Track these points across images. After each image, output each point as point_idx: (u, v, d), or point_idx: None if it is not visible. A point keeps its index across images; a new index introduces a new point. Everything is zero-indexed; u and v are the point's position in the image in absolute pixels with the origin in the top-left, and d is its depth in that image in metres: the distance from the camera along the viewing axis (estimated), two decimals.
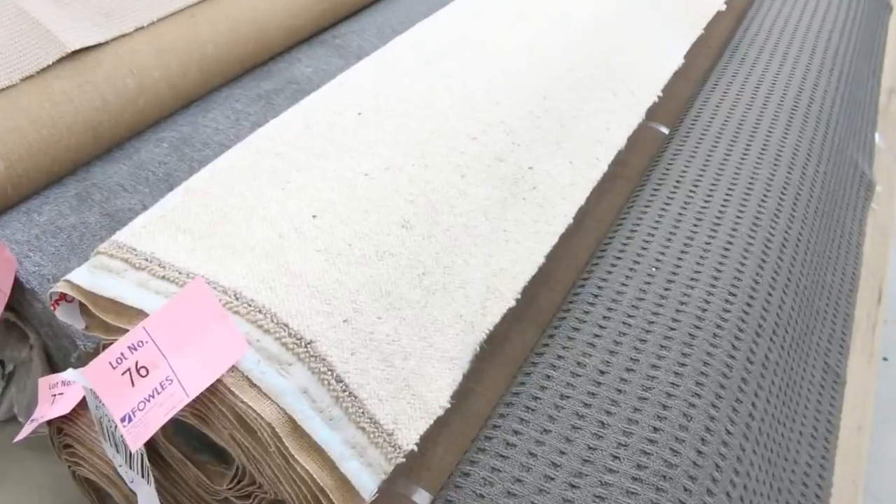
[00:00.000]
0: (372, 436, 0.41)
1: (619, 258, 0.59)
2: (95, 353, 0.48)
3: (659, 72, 0.74)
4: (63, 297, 0.47)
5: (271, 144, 0.54)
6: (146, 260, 0.46)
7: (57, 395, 0.47)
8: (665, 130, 0.79)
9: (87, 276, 0.46)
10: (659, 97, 0.72)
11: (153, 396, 0.38)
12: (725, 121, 0.74)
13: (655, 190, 0.65)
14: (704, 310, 0.55)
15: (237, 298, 0.43)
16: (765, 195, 0.66)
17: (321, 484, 0.39)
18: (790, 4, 0.98)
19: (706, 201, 0.65)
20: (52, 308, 0.47)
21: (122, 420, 0.37)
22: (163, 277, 0.45)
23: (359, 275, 0.46)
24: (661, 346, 0.52)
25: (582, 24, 0.73)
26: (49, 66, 0.67)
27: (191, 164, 0.72)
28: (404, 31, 0.90)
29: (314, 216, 0.48)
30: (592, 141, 0.63)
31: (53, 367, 0.66)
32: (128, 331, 0.39)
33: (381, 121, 0.56)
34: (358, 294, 0.45)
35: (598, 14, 0.76)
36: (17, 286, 0.61)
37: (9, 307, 0.62)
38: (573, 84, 0.66)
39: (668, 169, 0.68)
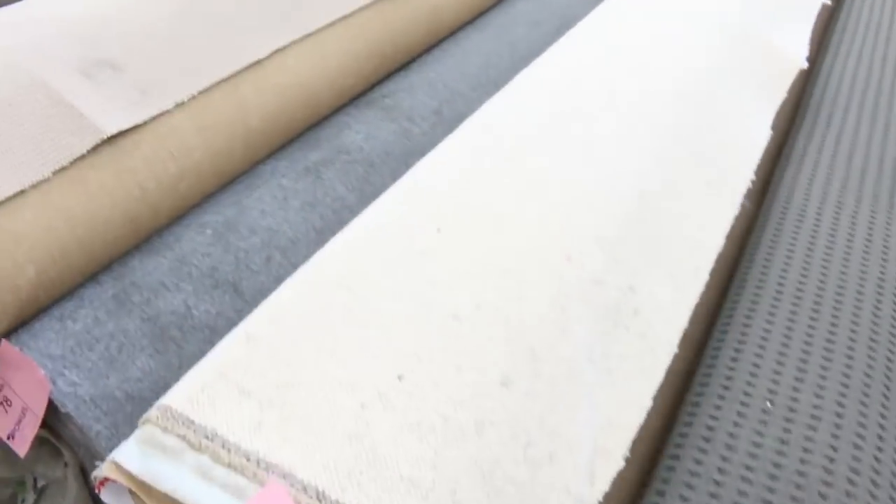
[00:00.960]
0: None
1: (726, 388, 0.51)
2: None
3: (749, 149, 0.66)
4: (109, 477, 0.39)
5: (339, 272, 0.46)
6: (207, 438, 0.38)
7: None
8: (747, 203, 0.71)
9: (138, 459, 0.38)
10: (752, 182, 0.64)
11: None
12: (821, 203, 0.66)
13: (756, 298, 0.58)
14: (832, 459, 0.47)
15: (321, 500, 0.35)
16: (878, 298, 0.58)
17: None
18: (868, 57, 0.90)
19: (815, 311, 0.57)
20: (96, 491, 0.40)
21: None
22: (228, 465, 0.37)
23: (457, 456, 0.38)
24: None
25: (665, 100, 0.65)
26: (84, 155, 0.59)
27: (236, 254, 0.65)
28: (458, 89, 0.82)
29: (400, 377, 0.41)
30: (691, 245, 0.56)
31: (90, 487, 0.59)
32: None
33: (463, 239, 0.48)
34: (458, 482, 0.37)
35: (680, 84, 0.68)
36: (51, 406, 0.54)
37: (42, 423, 0.55)
38: (665, 177, 0.58)
39: (765, 269, 0.60)
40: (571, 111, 0.61)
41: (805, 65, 0.80)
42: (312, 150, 0.75)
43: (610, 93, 0.64)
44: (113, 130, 0.60)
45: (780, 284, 0.60)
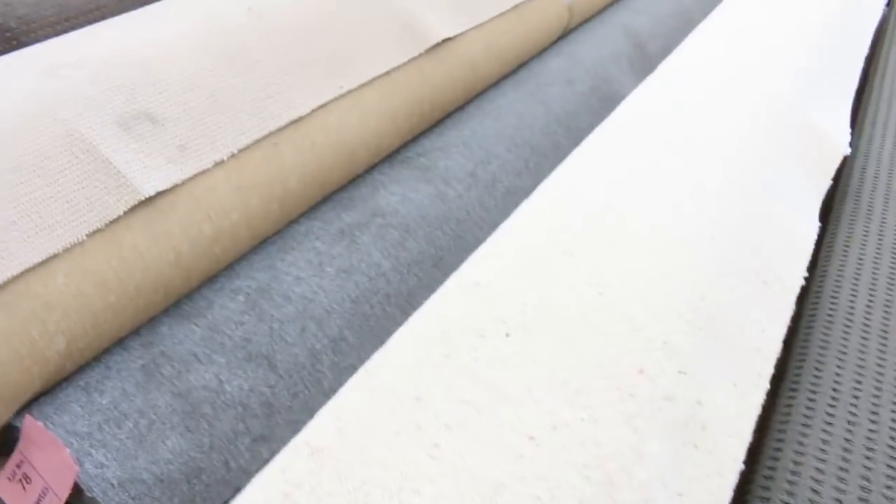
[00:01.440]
0: None
1: (791, 494, 0.49)
2: None
3: (801, 244, 0.64)
4: None
5: (406, 380, 0.43)
6: None
7: None
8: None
9: None
10: (805, 278, 0.62)
11: None
12: (870, 303, 0.65)
13: (811, 403, 0.56)
14: None
15: None
16: None
17: None
18: None
19: (874, 417, 0.55)
20: None
21: None
22: None
23: None
24: None
25: (718, 190, 0.64)
26: (119, 216, 0.56)
27: (271, 324, 0.61)
28: (493, 150, 0.80)
29: None
30: (751, 349, 0.54)
31: None
32: None
33: (532, 346, 0.46)
34: None
35: (732, 173, 0.66)
36: (77, 489, 0.51)
37: None
38: (724, 275, 0.56)
39: (818, 371, 0.58)
40: (626, 204, 0.59)
41: (848, 150, 0.79)
42: (347, 210, 0.72)
43: (664, 184, 0.62)
44: (151, 191, 0.57)
45: (835, 391, 0.58)
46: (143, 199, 0.57)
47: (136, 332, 0.59)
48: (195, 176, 0.61)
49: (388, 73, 0.75)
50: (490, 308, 0.49)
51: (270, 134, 0.66)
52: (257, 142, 0.65)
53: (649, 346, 0.49)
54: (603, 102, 0.99)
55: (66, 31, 0.76)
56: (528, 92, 0.92)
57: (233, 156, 0.63)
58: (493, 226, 0.80)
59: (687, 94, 0.79)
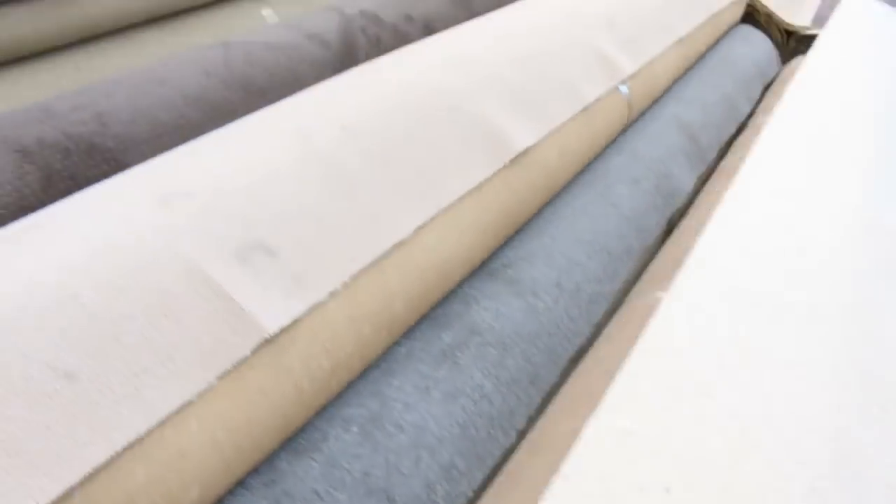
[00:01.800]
0: None
1: None
2: None
3: None
4: None
5: None
6: None
7: None
8: None
9: None
10: None
11: None
12: None
13: None
14: None
15: None
16: None
17: None
18: None
19: None
20: None
21: None
22: None
23: None
24: None
25: (831, 313, 0.64)
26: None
27: (386, 455, 0.61)
28: (574, 257, 0.80)
29: None
30: (890, 487, 0.53)
31: None
32: None
33: (694, 502, 0.45)
34: None
35: (845, 294, 0.66)
36: None
37: None
38: (854, 408, 0.56)
39: None
40: (757, 337, 0.59)
41: None
42: (444, 329, 0.72)
43: (778, 307, 0.62)
44: (275, 329, 0.57)
45: None
46: (267, 337, 0.56)
47: (256, 469, 0.58)
48: (312, 308, 0.60)
49: (478, 186, 0.76)
50: (646, 461, 0.48)
51: (377, 259, 0.65)
52: (366, 269, 0.64)
53: (790, 494, 0.48)
54: (666, 199, 1.00)
55: (160, 147, 0.76)
56: (597, 193, 0.93)
57: (345, 285, 0.63)
58: (580, 335, 0.80)
59: (776, 209, 0.80)
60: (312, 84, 0.90)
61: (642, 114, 1.12)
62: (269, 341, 0.57)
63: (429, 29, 1.04)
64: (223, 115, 0.82)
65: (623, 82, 1.01)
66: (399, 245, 0.67)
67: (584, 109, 0.93)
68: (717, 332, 0.60)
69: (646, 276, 0.92)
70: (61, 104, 0.77)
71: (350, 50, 0.95)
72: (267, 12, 1.07)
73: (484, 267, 0.80)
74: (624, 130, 1.07)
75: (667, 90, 1.19)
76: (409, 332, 0.71)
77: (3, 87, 0.84)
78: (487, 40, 0.92)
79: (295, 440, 0.61)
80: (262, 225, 0.63)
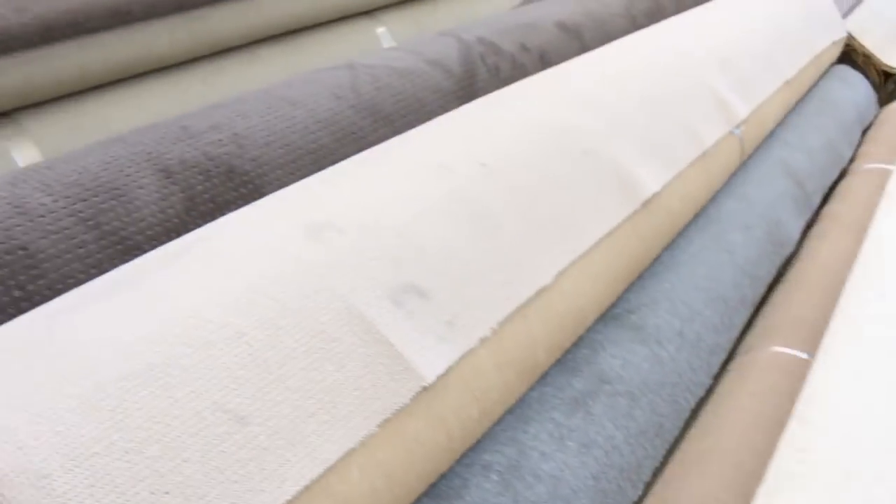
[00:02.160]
0: None
1: None
2: None
3: None
4: None
5: None
6: None
7: None
8: None
9: None
10: None
11: None
12: None
13: None
14: None
15: None
16: None
17: None
18: None
19: None
20: None
21: None
22: None
23: None
24: None
25: None
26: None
27: None
28: (693, 306, 0.78)
29: None
30: None
31: None
32: None
33: None
34: None
35: None
36: None
37: None
38: None
39: None
40: None
41: None
42: (574, 375, 0.70)
43: None
44: (433, 377, 0.56)
45: None
46: (426, 385, 0.55)
47: None
48: (464, 355, 0.59)
49: (611, 231, 0.74)
50: None
51: (521, 305, 0.64)
52: (512, 315, 0.63)
53: None
54: (776, 247, 0.98)
55: (295, 171, 0.75)
56: (711, 239, 0.91)
57: (493, 331, 0.61)
58: (700, 386, 0.78)
59: None
60: (437, 111, 0.88)
61: (750, 157, 1.09)
62: (426, 389, 0.56)
63: (544, 60, 1.03)
64: (354, 141, 0.80)
65: (737, 126, 0.99)
66: (541, 291, 0.66)
67: (704, 153, 0.91)
68: (882, 402, 0.58)
69: (757, 329, 0.90)
70: (198, 122, 0.76)
71: (471, 78, 0.93)
72: (381, 31, 1.06)
73: (608, 311, 0.78)
74: (734, 174, 1.05)
75: (772, 133, 1.16)
76: (541, 377, 0.69)
77: (134, 100, 0.84)
78: (610, 79, 0.91)
79: (437, 486, 0.59)
80: (413, 265, 0.62)
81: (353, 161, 0.74)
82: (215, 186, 0.71)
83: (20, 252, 0.62)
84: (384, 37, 1.07)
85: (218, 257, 0.61)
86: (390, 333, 0.57)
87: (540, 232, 0.69)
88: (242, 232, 0.64)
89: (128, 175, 0.69)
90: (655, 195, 0.81)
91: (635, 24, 1.19)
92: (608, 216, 0.75)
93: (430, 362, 0.57)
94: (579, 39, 1.08)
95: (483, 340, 0.60)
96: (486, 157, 0.74)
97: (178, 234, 0.68)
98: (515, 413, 0.66)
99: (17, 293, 0.61)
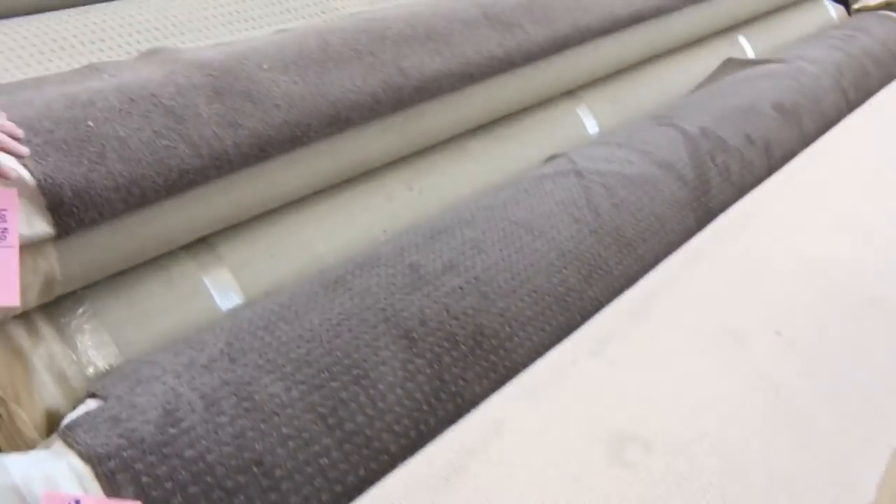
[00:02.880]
0: None
1: None
2: None
3: None
4: None
5: None
6: None
7: None
8: None
9: None
10: None
11: None
12: None
13: None
14: None
15: None
16: None
17: None
18: None
19: None
20: None
21: None
22: None
23: None
24: None
25: None
26: None
27: None
28: None
29: None
30: None
31: None
32: None
33: None
34: None
35: None
36: None
37: None
38: None
39: None
40: None
41: None
42: None
43: None
44: None
45: None
46: None
47: None
48: None
49: None
50: None
51: None
52: None
53: None
54: None
55: (545, 326, 0.61)
56: None
57: None
58: None
59: None
60: (676, 230, 0.73)
61: None
62: None
63: (769, 153, 0.87)
64: (601, 277, 0.66)
65: None
66: None
67: None
68: None
69: None
70: (428, 260, 0.61)
71: (705, 185, 0.78)
72: (582, 111, 0.90)
73: None
74: None
75: None
76: None
77: (338, 214, 0.68)
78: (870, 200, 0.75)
79: None
80: (733, 488, 0.48)
81: (621, 320, 0.59)
82: (464, 357, 0.57)
83: (255, 469, 0.47)
84: (584, 115, 0.91)
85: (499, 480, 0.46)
86: None
87: (852, 427, 0.55)
88: (526, 442, 0.49)
89: (366, 345, 0.54)
90: None
91: (846, 98, 1.02)
92: None
93: None
94: (799, 126, 0.92)
95: None
96: (777, 320, 0.59)
97: (427, 426, 0.53)
98: None
99: None
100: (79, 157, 0.52)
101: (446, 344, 0.57)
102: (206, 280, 0.62)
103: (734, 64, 1.09)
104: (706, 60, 1.11)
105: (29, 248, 0.50)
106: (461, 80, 0.73)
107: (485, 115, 0.80)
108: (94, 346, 0.57)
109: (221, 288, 0.62)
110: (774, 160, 0.89)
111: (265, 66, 0.62)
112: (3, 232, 0.49)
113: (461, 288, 0.60)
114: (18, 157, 0.51)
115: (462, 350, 0.57)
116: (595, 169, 0.75)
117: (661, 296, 0.63)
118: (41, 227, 0.50)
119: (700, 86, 1.04)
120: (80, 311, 0.57)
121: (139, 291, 0.59)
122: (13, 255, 0.49)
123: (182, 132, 0.57)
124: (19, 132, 0.53)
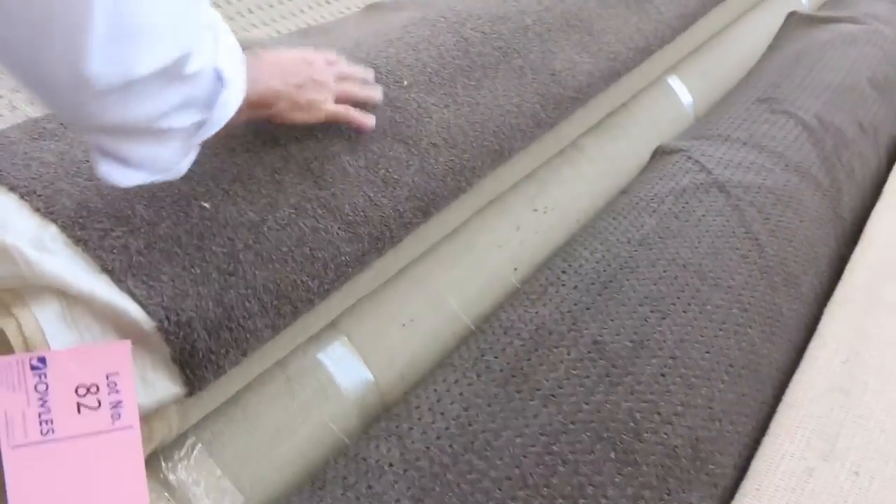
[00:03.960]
0: None
1: None
2: None
3: None
4: None
5: None
6: None
7: None
8: None
9: None
10: None
11: None
12: None
13: None
14: None
15: None
16: None
17: None
18: None
19: None
20: None
21: None
22: None
23: None
24: None
25: None
26: None
27: None
28: None
29: None
30: None
31: None
32: None
33: None
34: None
35: None
36: None
37: None
38: None
39: None
40: None
41: None
42: None
43: None
44: None
45: None
46: None
47: None
48: None
49: None
50: None
51: None
52: None
53: None
54: None
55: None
56: None
57: None
58: None
59: None
60: (824, 258, 0.62)
61: None
62: None
63: (877, 141, 0.76)
64: (779, 330, 0.53)
65: None
66: None
67: None
68: None
69: None
70: (609, 333, 0.47)
71: (837, 191, 0.67)
72: (674, 81, 0.74)
73: None
74: None
75: None
76: None
77: (469, 249, 0.50)
78: None
79: None
80: None
81: (834, 401, 0.48)
82: (686, 472, 0.43)
83: None
84: (679, 88, 0.76)
85: None
86: None
87: None
88: None
89: (583, 475, 0.40)
90: None
91: None
92: None
93: None
94: (892, 104, 0.81)
95: None
96: None
97: None
98: None
99: None
100: (204, 270, 0.34)
101: (668, 461, 0.44)
102: (330, 366, 0.44)
103: (801, 20, 0.96)
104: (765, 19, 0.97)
105: (147, 417, 0.33)
106: (608, 80, 0.56)
107: (604, 109, 0.64)
108: (205, 490, 0.40)
109: (350, 375, 0.45)
110: (882, 149, 0.78)
111: (405, 83, 0.43)
112: (115, 407, 0.31)
113: (663, 376, 0.47)
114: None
115: (683, 464, 0.44)
116: (737, 181, 0.61)
117: (864, 355, 0.52)
118: (165, 388, 0.32)
119: (774, 48, 0.91)
120: (187, 443, 0.39)
121: (252, 404, 0.42)
122: (134, 439, 0.31)
123: (329, 204, 0.39)
124: (367, 74, 0.44)
